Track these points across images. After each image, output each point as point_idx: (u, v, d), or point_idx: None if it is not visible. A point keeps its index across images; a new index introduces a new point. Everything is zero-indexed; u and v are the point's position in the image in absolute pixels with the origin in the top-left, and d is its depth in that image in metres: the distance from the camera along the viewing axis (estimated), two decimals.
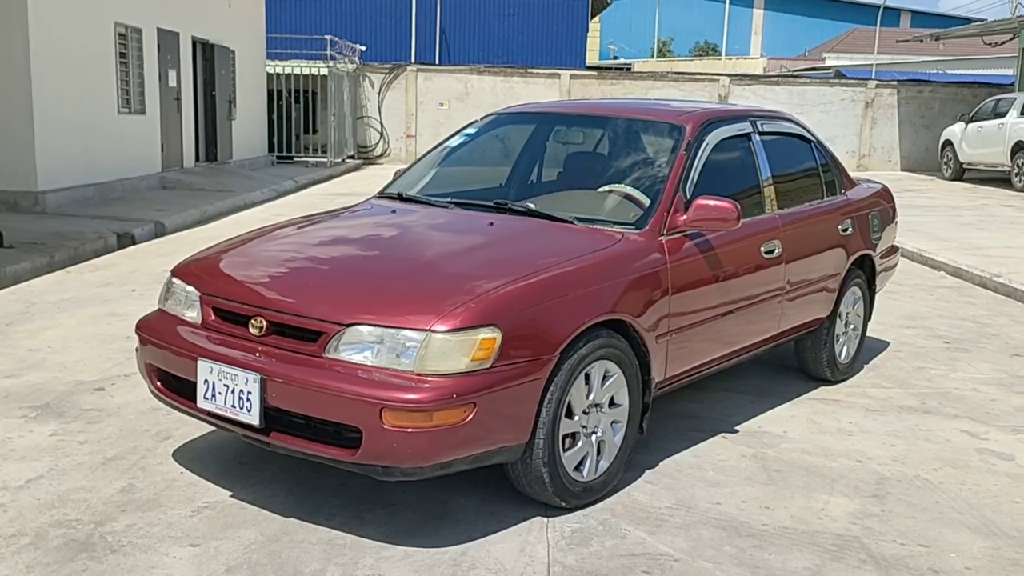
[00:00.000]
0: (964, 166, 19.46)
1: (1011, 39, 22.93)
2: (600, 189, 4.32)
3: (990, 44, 23.79)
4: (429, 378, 3.03)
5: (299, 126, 20.82)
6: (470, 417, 3.04)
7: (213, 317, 3.50)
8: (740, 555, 3.24)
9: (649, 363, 3.73)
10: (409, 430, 2.98)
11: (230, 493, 3.59)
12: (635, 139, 4.57)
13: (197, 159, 15.68)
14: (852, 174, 5.85)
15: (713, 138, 4.36)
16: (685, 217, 3.94)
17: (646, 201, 4.04)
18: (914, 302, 7.70)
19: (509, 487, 3.52)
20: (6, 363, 5.20)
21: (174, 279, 3.75)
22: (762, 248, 4.41)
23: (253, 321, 3.33)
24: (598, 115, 4.89)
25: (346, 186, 16.20)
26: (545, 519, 3.44)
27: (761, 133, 4.75)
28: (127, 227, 9.73)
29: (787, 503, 3.68)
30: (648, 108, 4.83)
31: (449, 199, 4.37)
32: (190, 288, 3.63)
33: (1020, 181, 17.17)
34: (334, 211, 4.66)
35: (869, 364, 5.72)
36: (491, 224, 3.94)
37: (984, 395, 5.21)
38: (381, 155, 22.37)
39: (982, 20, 32.36)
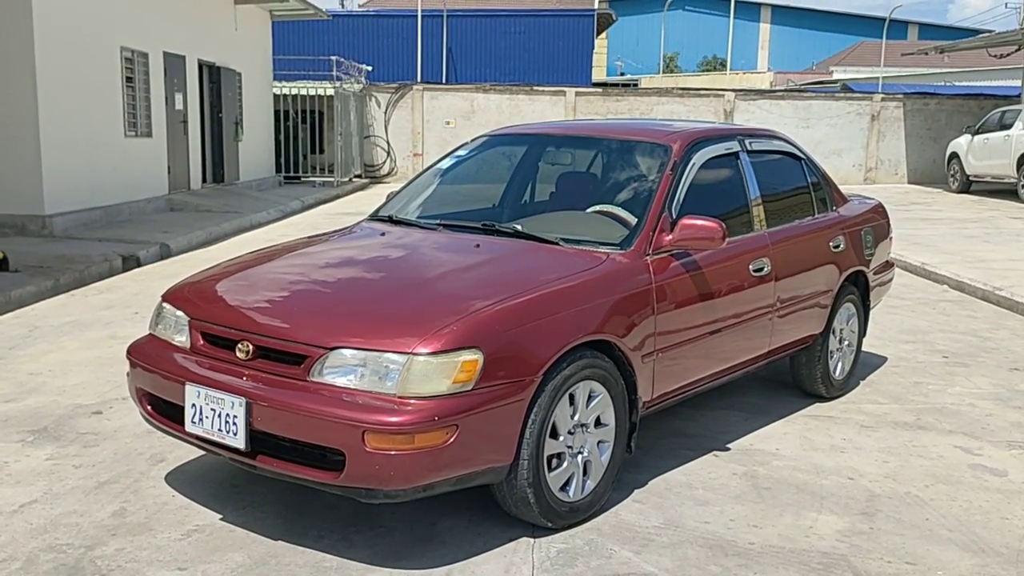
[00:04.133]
0: (971, 178, 19.41)
1: (1016, 51, 22.91)
2: (589, 209, 4.36)
3: (996, 56, 23.76)
4: (411, 401, 3.06)
5: (306, 146, 20.99)
6: (452, 439, 3.06)
7: (202, 342, 3.54)
8: (725, 574, 3.24)
9: (635, 383, 3.75)
10: (391, 452, 3.01)
11: (220, 516, 3.62)
12: (623, 159, 4.61)
13: (204, 181, 15.81)
14: (858, 188, 5.89)
15: (700, 157, 4.39)
16: (671, 237, 3.96)
17: (633, 221, 4.07)
18: (915, 316, 7.69)
19: (497, 508, 3.54)
20: (7, 387, 5.26)
21: (164, 304, 3.80)
22: (751, 266, 4.43)
23: (240, 345, 3.37)
24: (588, 136, 4.93)
25: (352, 205, 16.28)
26: (532, 539, 3.45)
27: (750, 151, 4.78)
28: (132, 249, 9.82)
29: (775, 521, 3.69)
30: (636, 128, 4.87)
31: (438, 221, 4.41)
32: (180, 313, 3.68)
33: None
34: (324, 234, 4.72)
35: (865, 380, 5.72)
36: (477, 246, 3.98)
37: (980, 410, 5.19)
38: (388, 174, 22.50)
39: (990, 31, 32.34)
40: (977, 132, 19.17)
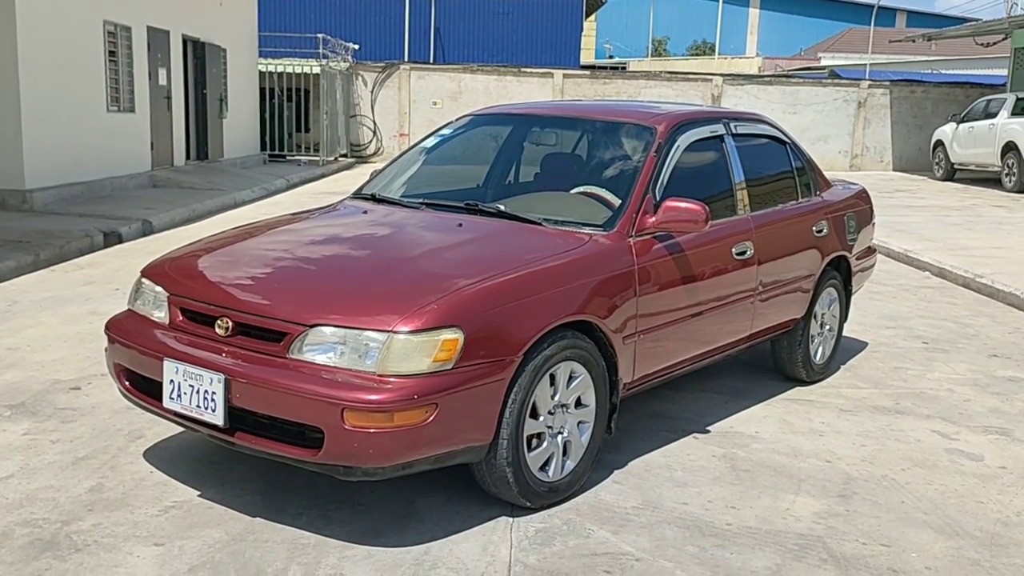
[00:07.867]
0: (955, 166, 19.50)
1: (1003, 39, 22.97)
2: (573, 190, 4.35)
3: (982, 44, 23.82)
4: (391, 379, 3.05)
5: (292, 124, 20.84)
6: (431, 418, 3.06)
7: (180, 317, 3.51)
8: (701, 554, 3.26)
9: (616, 364, 3.75)
10: (371, 430, 3.00)
11: (198, 492, 3.60)
12: (608, 140, 4.59)
13: (188, 157, 15.68)
14: (844, 174, 5.90)
15: (685, 140, 4.38)
16: (654, 219, 3.95)
17: (616, 202, 4.06)
18: (896, 302, 7.73)
19: (477, 487, 3.54)
20: None
21: (143, 279, 3.77)
22: (733, 249, 4.43)
23: (219, 322, 3.35)
24: (573, 117, 4.91)
25: (338, 185, 16.19)
26: (510, 519, 3.46)
27: (735, 135, 4.77)
28: (114, 225, 9.74)
29: (753, 503, 3.71)
30: (621, 110, 4.85)
31: (421, 200, 4.39)
32: (158, 288, 3.65)
33: (1010, 181, 17.21)
34: (307, 211, 4.68)
35: (846, 365, 5.75)
36: (460, 225, 3.96)
37: (958, 395, 5.23)
38: (374, 154, 22.38)
39: (977, 20, 32.42)
40: (962, 120, 19.24)
